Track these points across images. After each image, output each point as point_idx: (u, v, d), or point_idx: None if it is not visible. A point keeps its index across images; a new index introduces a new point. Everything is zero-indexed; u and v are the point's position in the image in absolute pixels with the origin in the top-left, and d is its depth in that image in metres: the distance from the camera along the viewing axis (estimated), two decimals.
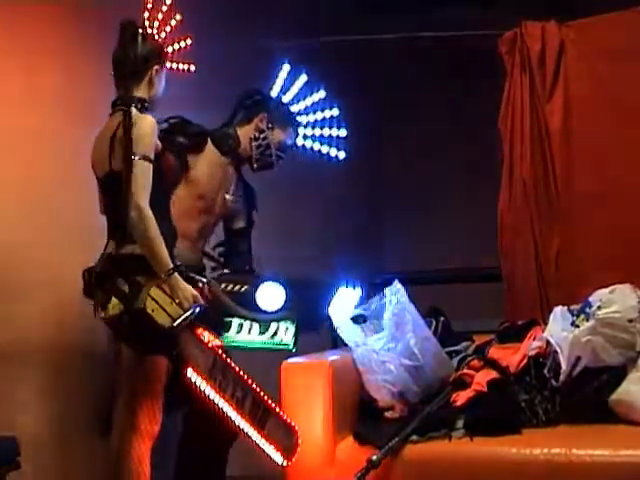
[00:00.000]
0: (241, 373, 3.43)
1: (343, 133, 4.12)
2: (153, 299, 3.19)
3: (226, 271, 3.90)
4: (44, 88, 3.94)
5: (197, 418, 3.64)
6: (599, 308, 3.71)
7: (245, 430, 3.40)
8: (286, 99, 4.06)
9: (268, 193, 4.17)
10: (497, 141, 4.63)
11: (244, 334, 3.83)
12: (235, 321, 3.81)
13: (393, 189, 5.80)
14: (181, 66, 3.65)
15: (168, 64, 3.55)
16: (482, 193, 4.88)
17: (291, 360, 3.76)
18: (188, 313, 3.22)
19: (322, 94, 4.11)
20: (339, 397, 3.66)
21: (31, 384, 3.81)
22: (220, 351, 3.39)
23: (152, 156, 3.30)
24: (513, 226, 4.56)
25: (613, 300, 3.73)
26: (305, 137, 4.11)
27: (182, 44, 3.61)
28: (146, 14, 3.48)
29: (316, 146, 4.12)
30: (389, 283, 4.00)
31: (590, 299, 3.81)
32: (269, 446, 3.45)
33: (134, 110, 3.33)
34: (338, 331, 3.87)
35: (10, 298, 3.70)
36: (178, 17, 3.57)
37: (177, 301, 3.23)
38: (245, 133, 3.92)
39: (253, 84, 4.06)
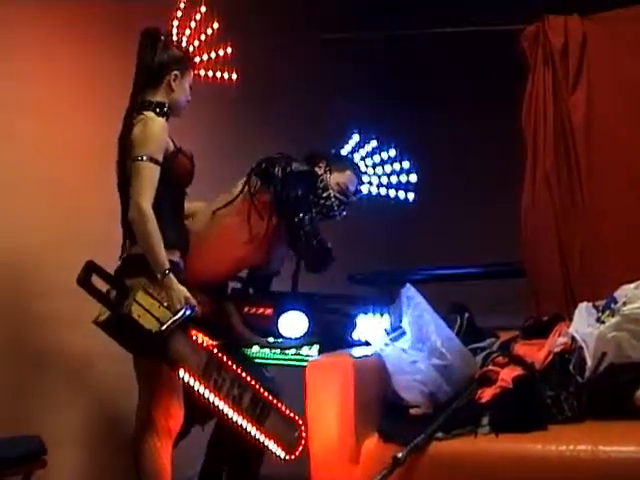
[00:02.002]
0: (239, 371, 3.45)
1: (414, 178, 4.08)
2: (139, 304, 3.22)
3: (250, 290, 3.89)
4: (72, 93, 3.97)
5: None
6: (624, 304, 3.69)
7: (243, 427, 3.43)
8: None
9: None
10: (515, 138, 4.62)
11: (267, 350, 3.88)
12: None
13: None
14: (219, 74, 3.70)
15: (207, 72, 3.65)
16: (504, 190, 4.86)
17: (315, 359, 3.76)
18: (177, 316, 3.25)
19: (392, 152, 4.09)
20: (363, 395, 3.65)
21: (60, 384, 3.83)
22: (215, 350, 3.41)
23: (159, 157, 3.34)
24: (537, 222, 4.55)
25: (638, 296, 3.70)
26: (371, 184, 4.07)
27: (221, 52, 3.68)
28: (175, 22, 3.54)
29: (383, 191, 4.07)
30: (411, 282, 3.99)
31: (615, 295, 3.79)
32: (269, 441, 3.49)
33: (148, 114, 3.39)
34: (363, 333, 3.85)
35: (41, 299, 3.73)
36: (215, 26, 3.61)
37: (166, 304, 3.27)
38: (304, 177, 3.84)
39: None
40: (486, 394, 3.68)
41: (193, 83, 3.61)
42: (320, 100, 5.30)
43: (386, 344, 3.78)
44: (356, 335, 3.84)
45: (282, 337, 3.80)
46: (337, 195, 3.88)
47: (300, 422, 3.59)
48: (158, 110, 3.45)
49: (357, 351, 3.80)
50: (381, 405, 3.77)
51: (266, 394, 3.53)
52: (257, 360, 3.87)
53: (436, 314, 3.88)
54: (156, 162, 3.34)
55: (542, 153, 4.57)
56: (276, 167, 3.71)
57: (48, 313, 3.76)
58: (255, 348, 3.88)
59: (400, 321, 3.84)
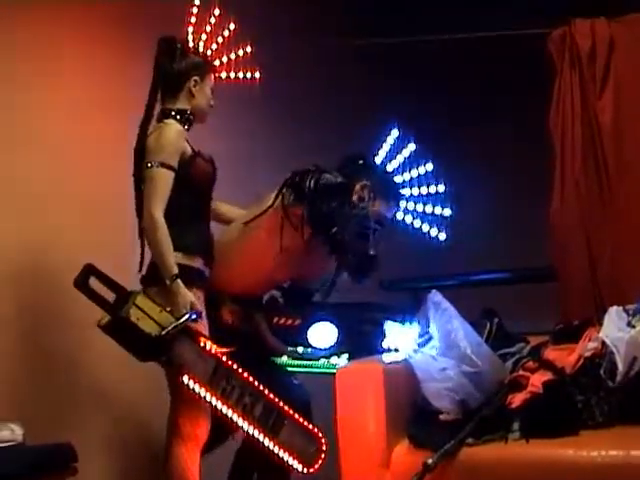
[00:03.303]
0: (250, 379, 3.42)
1: (447, 212, 3.90)
2: (139, 308, 3.23)
3: (280, 300, 3.87)
4: (105, 101, 4.00)
5: None
6: None
7: (255, 437, 3.39)
8: (390, 168, 3.90)
9: None
10: (544, 141, 4.61)
11: (296, 361, 3.88)
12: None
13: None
14: (242, 74, 3.69)
15: (229, 74, 3.65)
16: (533, 193, 4.84)
17: (345, 365, 3.77)
18: (181, 321, 3.25)
19: (430, 167, 3.91)
20: (393, 401, 3.66)
21: (91, 391, 3.85)
22: (224, 358, 3.38)
23: (172, 163, 3.35)
24: (565, 225, 4.53)
25: None
26: (406, 212, 3.92)
27: (240, 52, 3.68)
28: (190, 29, 3.55)
29: (417, 223, 3.91)
30: (442, 287, 3.99)
31: None
32: (284, 453, 3.44)
33: (168, 121, 3.42)
34: (391, 340, 3.84)
35: (73, 305, 3.75)
36: (232, 27, 3.62)
37: (169, 309, 3.27)
38: (345, 199, 3.72)
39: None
40: (517, 399, 3.67)
41: (215, 87, 3.61)
42: (346, 104, 5.30)
43: (415, 350, 3.78)
44: (386, 344, 3.81)
45: (311, 347, 3.77)
46: (374, 226, 3.76)
47: (320, 435, 3.55)
48: (179, 117, 3.47)
49: (387, 357, 3.81)
50: (411, 411, 3.76)
51: (280, 404, 3.48)
52: (286, 368, 3.87)
53: (464, 320, 3.86)
54: (169, 167, 3.34)
55: (570, 156, 4.56)
56: (308, 180, 3.62)
57: (79, 320, 3.77)
58: (284, 357, 3.87)
59: (427, 327, 3.83)
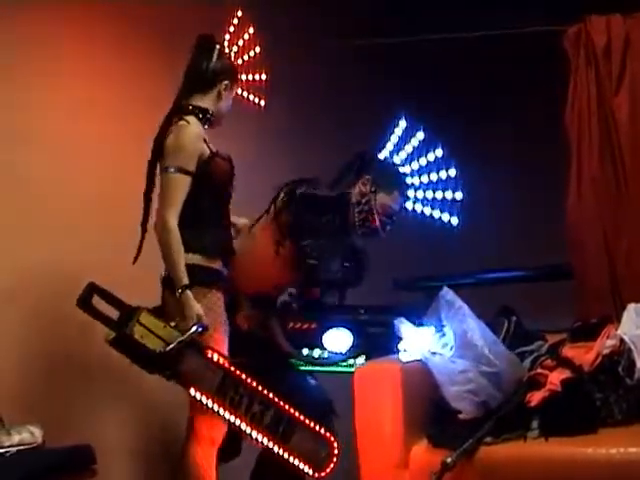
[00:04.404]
0: (259, 388, 3.41)
1: (459, 196, 3.88)
2: (142, 325, 3.23)
3: (294, 305, 3.85)
4: (107, 101, 4.00)
5: None
6: None
7: (265, 444, 3.40)
8: (397, 159, 3.89)
9: None
10: (559, 139, 4.60)
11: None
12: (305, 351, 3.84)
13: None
14: (252, 97, 3.75)
15: (240, 91, 3.66)
16: (549, 190, 4.83)
17: (363, 365, 3.77)
18: (185, 336, 3.25)
19: (439, 152, 3.89)
20: (412, 400, 3.66)
21: (110, 393, 3.87)
22: (232, 368, 3.38)
23: (189, 167, 3.35)
24: (582, 223, 4.52)
25: None
26: (416, 200, 3.90)
27: (257, 77, 3.73)
28: (227, 36, 3.58)
29: (427, 210, 3.89)
30: (457, 285, 3.98)
31: None
32: (295, 459, 3.45)
33: (189, 118, 3.42)
34: (407, 342, 3.83)
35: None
36: (257, 50, 3.67)
37: (173, 324, 3.27)
38: (349, 197, 3.78)
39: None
40: (535, 398, 3.66)
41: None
42: (353, 104, 5.29)
43: (433, 353, 3.77)
44: (402, 347, 3.80)
45: (327, 351, 3.77)
46: (382, 218, 3.78)
47: (331, 439, 3.55)
48: (201, 116, 3.46)
49: (404, 356, 3.81)
50: (429, 410, 3.76)
51: (291, 411, 3.48)
52: (303, 368, 3.86)
53: (478, 319, 3.85)
54: (186, 172, 3.35)
55: (587, 153, 4.55)
56: (299, 189, 3.67)
57: (98, 328, 3.79)
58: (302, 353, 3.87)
59: (440, 326, 3.82)
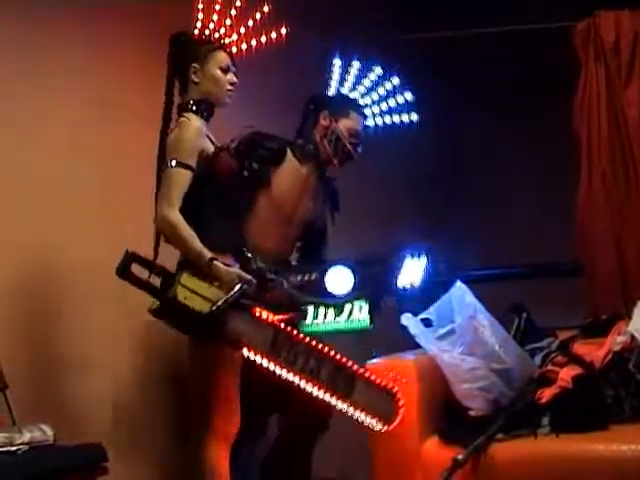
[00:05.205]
0: (313, 343, 3.34)
1: (409, 96, 4.05)
2: (185, 287, 3.16)
3: (293, 263, 3.88)
4: (129, 104, 4.00)
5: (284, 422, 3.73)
6: None
7: (327, 400, 3.32)
8: (345, 90, 4.03)
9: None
10: (568, 135, 4.60)
11: (321, 320, 3.83)
12: (310, 309, 3.82)
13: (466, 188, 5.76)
14: (264, 38, 3.64)
15: (250, 42, 3.58)
16: (560, 187, 4.83)
17: (375, 361, 3.77)
18: (230, 294, 3.17)
19: (396, 80, 4.05)
20: (424, 396, 3.67)
21: (120, 391, 3.87)
22: (282, 325, 3.31)
23: (190, 162, 3.32)
24: (593, 218, 4.53)
25: None
26: (374, 115, 4.06)
27: (258, 16, 3.60)
28: (200, 15, 3.51)
29: (387, 119, 4.06)
30: (470, 281, 3.98)
31: None
32: (360, 413, 3.37)
33: (188, 115, 3.39)
34: (416, 338, 3.84)
35: (103, 310, 3.77)
36: (233, 13, 3.55)
37: (217, 284, 3.20)
38: (316, 136, 3.88)
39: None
40: (546, 394, 3.67)
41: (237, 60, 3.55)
42: None
43: (443, 350, 3.77)
44: (400, 282, 3.83)
45: (331, 295, 3.77)
46: (351, 140, 3.87)
47: (395, 389, 3.48)
48: (195, 108, 3.46)
49: (416, 352, 3.82)
50: (441, 406, 3.77)
51: (349, 364, 3.40)
52: (314, 332, 3.82)
53: (490, 314, 3.85)
54: (186, 166, 3.31)
55: (597, 149, 4.55)
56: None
57: (109, 322, 3.79)
58: (310, 316, 3.84)
59: (451, 321, 3.82)
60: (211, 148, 3.42)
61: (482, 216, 5.60)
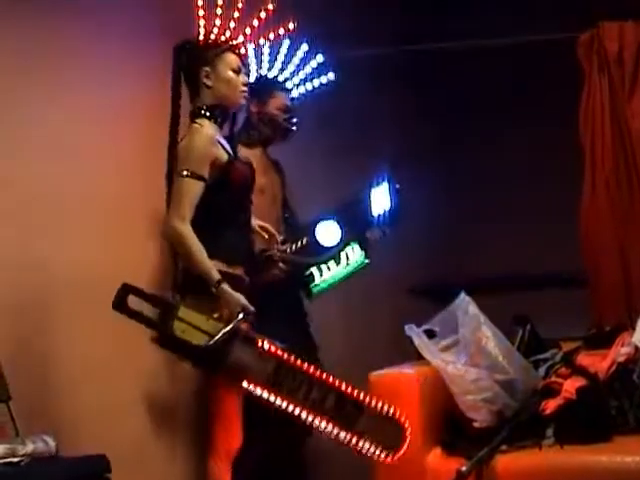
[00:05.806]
0: (317, 373, 3.28)
1: (320, 58, 4.22)
2: (182, 320, 3.14)
3: (280, 238, 3.95)
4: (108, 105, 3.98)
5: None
6: None
7: (329, 431, 3.25)
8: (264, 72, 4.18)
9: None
10: (570, 145, 4.60)
11: (327, 274, 4.10)
12: (314, 270, 4.09)
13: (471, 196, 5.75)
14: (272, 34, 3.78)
15: (258, 41, 3.70)
16: (562, 199, 4.83)
17: (379, 372, 3.76)
18: (230, 326, 3.16)
19: (320, 58, 4.23)
20: (427, 408, 3.66)
21: (126, 402, 3.87)
22: (285, 355, 3.26)
23: (201, 172, 3.29)
24: (596, 228, 4.52)
25: None
26: (297, 86, 4.24)
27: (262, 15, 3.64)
28: (201, 22, 3.50)
29: (309, 86, 4.26)
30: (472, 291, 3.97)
31: None
32: (364, 444, 3.27)
33: (200, 121, 3.38)
34: (420, 350, 3.83)
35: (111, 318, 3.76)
36: (236, 15, 3.55)
37: (216, 315, 3.19)
38: (254, 123, 4.07)
39: None
40: (550, 405, 3.66)
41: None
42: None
43: (447, 362, 3.76)
44: (375, 211, 4.03)
45: (326, 249, 4.02)
46: (285, 117, 4.10)
47: (402, 419, 3.36)
48: (209, 114, 3.44)
49: (419, 364, 3.81)
50: (444, 418, 3.76)
51: (355, 393, 3.30)
52: (325, 287, 4.12)
53: (493, 326, 3.84)
54: (197, 177, 3.28)
55: (600, 159, 4.55)
56: None
57: (113, 330, 3.78)
58: (317, 275, 4.10)
59: (455, 332, 3.82)
60: (224, 155, 3.39)
61: (487, 228, 5.60)
